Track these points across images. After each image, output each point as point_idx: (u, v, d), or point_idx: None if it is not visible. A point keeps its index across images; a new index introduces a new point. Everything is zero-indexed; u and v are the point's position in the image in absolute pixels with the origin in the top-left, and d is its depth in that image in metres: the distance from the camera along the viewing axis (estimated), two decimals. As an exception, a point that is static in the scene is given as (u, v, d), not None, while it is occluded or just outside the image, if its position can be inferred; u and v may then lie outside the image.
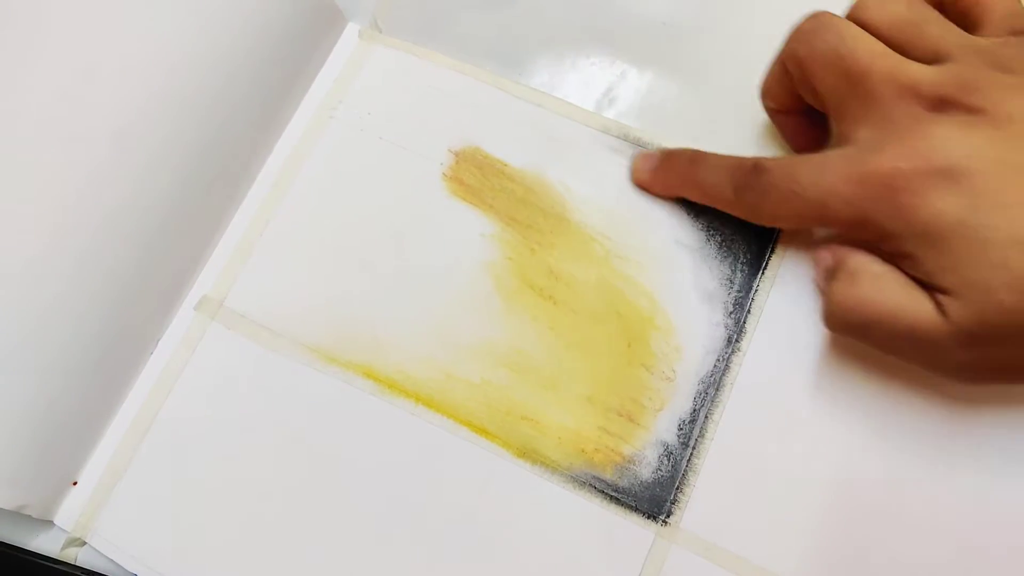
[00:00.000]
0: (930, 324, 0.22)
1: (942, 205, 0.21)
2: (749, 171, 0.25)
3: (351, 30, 0.32)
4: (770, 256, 0.28)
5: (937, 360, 0.23)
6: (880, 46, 0.23)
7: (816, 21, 0.24)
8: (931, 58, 0.23)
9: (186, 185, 0.29)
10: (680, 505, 0.26)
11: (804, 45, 0.24)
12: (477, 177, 0.30)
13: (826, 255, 0.25)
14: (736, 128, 0.29)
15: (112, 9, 0.28)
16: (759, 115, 0.29)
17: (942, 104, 0.22)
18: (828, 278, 0.24)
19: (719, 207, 0.27)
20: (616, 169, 0.29)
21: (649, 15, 0.31)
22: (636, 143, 0.29)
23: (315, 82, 0.32)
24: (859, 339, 0.24)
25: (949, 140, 0.21)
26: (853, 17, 0.24)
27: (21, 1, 0.27)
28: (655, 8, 0.31)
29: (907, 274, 0.22)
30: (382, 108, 0.31)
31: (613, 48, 0.31)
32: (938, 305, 0.22)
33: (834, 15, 0.24)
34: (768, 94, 0.27)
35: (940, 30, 0.23)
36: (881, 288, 0.23)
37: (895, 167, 0.22)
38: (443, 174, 0.30)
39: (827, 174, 0.23)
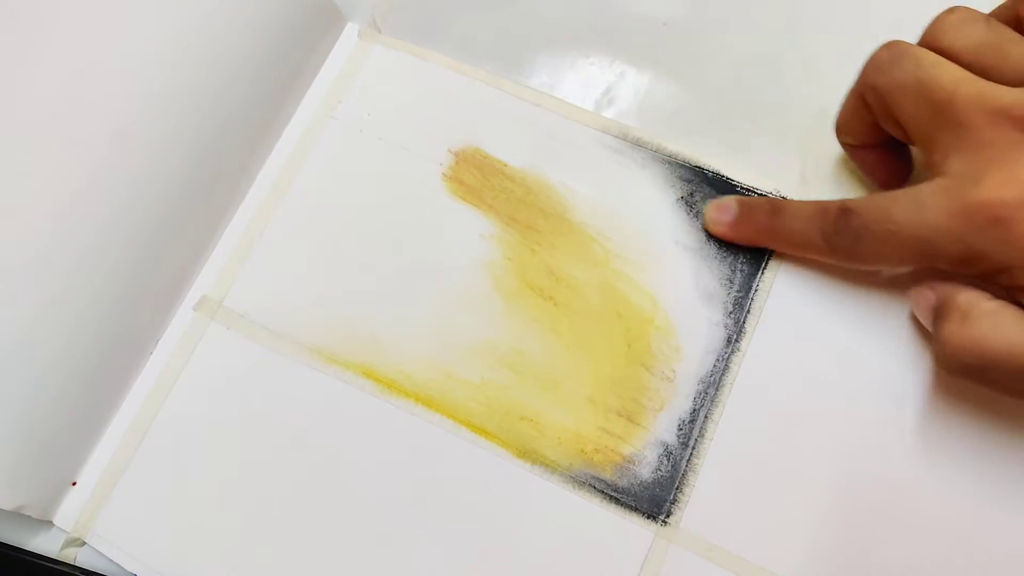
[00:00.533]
0: None
1: None
2: (837, 216, 0.24)
3: (350, 30, 0.32)
4: (770, 256, 0.28)
5: None
6: (962, 71, 0.22)
7: (892, 50, 0.23)
8: (1017, 80, 0.22)
9: (186, 185, 0.29)
10: (680, 505, 0.26)
11: (883, 76, 0.23)
12: (477, 177, 0.30)
13: (928, 293, 0.24)
14: (736, 127, 0.29)
15: (112, 9, 0.28)
16: (759, 115, 0.29)
17: None
18: (935, 318, 0.23)
19: (808, 255, 0.26)
20: (616, 169, 0.29)
21: (649, 15, 0.31)
22: (636, 143, 0.29)
23: (314, 82, 0.32)
24: (975, 381, 0.23)
25: None
26: (930, 44, 0.23)
27: (21, 1, 0.27)
28: (655, 8, 0.31)
29: (1021, 306, 0.22)
30: (382, 108, 0.31)
31: (612, 48, 0.31)
32: None
33: (909, 43, 0.23)
34: (845, 130, 0.26)
35: (1023, 50, 0.22)
36: (997, 326, 0.21)
37: (1000, 198, 0.21)
38: (443, 174, 0.30)
39: (926, 211, 0.22)
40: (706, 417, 0.26)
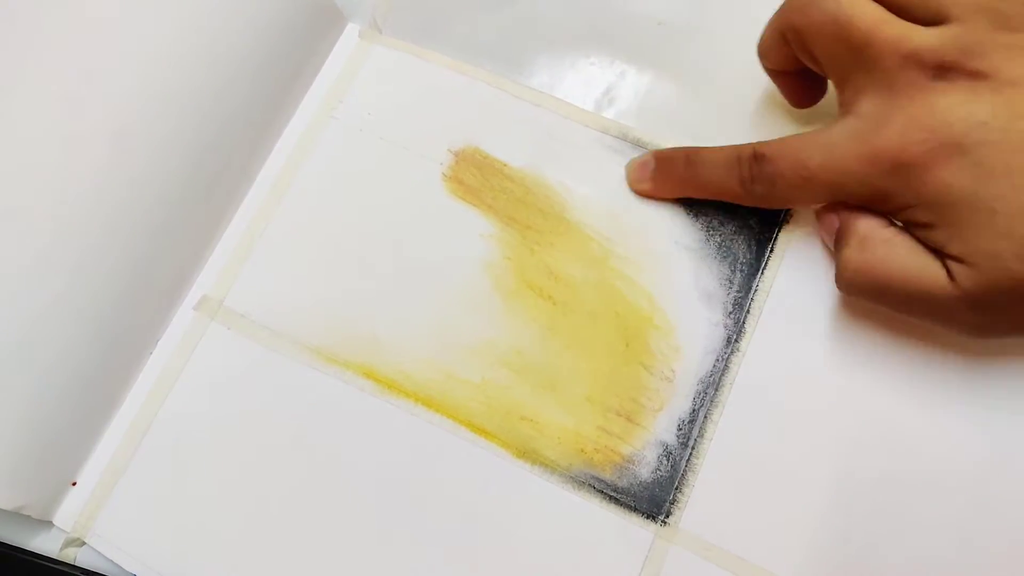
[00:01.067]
0: (940, 289, 0.22)
1: (951, 178, 0.21)
2: (751, 161, 0.25)
3: (351, 30, 0.32)
4: (769, 256, 0.28)
5: (948, 320, 0.23)
6: (880, 11, 0.23)
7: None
8: (933, 18, 0.22)
9: (186, 185, 0.29)
10: (679, 505, 0.26)
11: (800, 15, 0.24)
12: (477, 177, 0.30)
13: (832, 218, 0.25)
14: (736, 127, 0.29)
15: (112, 9, 0.28)
16: (758, 114, 0.29)
17: (945, 71, 0.22)
18: (837, 242, 0.24)
19: (726, 200, 0.27)
20: (616, 169, 0.29)
21: (648, 15, 0.31)
22: (636, 143, 0.29)
23: (315, 82, 0.32)
24: (871, 301, 0.24)
25: (953, 111, 0.21)
26: None
27: (21, 1, 0.27)
28: (654, 8, 0.31)
29: (918, 239, 0.23)
30: (382, 108, 0.31)
31: (612, 48, 0.31)
32: (948, 271, 0.22)
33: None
34: (765, 56, 0.27)
35: None
36: (891, 253, 0.23)
37: (902, 143, 0.22)
38: (443, 174, 0.30)
39: (836, 155, 0.23)
40: (706, 417, 0.26)
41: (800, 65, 0.26)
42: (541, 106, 0.30)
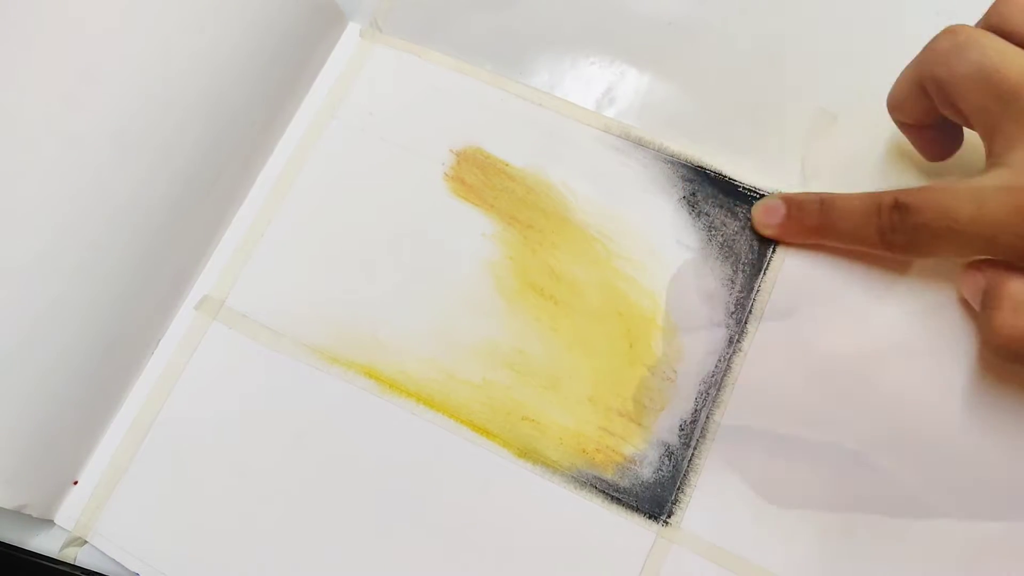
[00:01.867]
0: None
1: None
2: (891, 211, 0.24)
3: (352, 30, 0.32)
4: (772, 256, 0.28)
5: None
6: None
7: (954, 38, 0.23)
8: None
9: (187, 185, 0.29)
10: (681, 505, 0.26)
11: (944, 67, 0.23)
12: (478, 177, 0.30)
13: (977, 276, 0.24)
14: (738, 126, 0.29)
15: (113, 9, 0.28)
16: (760, 114, 0.29)
17: None
18: (985, 304, 0.23)
19: (861, 249, 0.26)
20: (618, 169, 0.29)
21: (649, 15, 0.31)
22: (637, 142, 0.29)
23: (316, 82, 0.32)
24: None
25: None
26: (991, 25, 0.23)
27: (21, 1, 0.27)
28: (655, 8, 0.31)
29: None
30: (383, 108, 0.31)
31: (613, 48, 0.31)
32: None
33: (972, 28, 0.23)
34: (899, 109, 0.26)
35: None
36: None
37: None
38: (444, 174, 0.30)
39: (989, 207, 0.22)
40: (707, 417, 0.26)
41: (938, 117, 0.25)
42: (542, 106, 0.30)
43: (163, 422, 0.28)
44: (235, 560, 0.26)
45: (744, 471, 0.26)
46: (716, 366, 0.27)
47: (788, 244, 0.27)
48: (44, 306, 0.26)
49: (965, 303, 0.26)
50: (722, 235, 0.28)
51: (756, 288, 0.27)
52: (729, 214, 0.28)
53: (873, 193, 0.25)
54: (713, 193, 0.29)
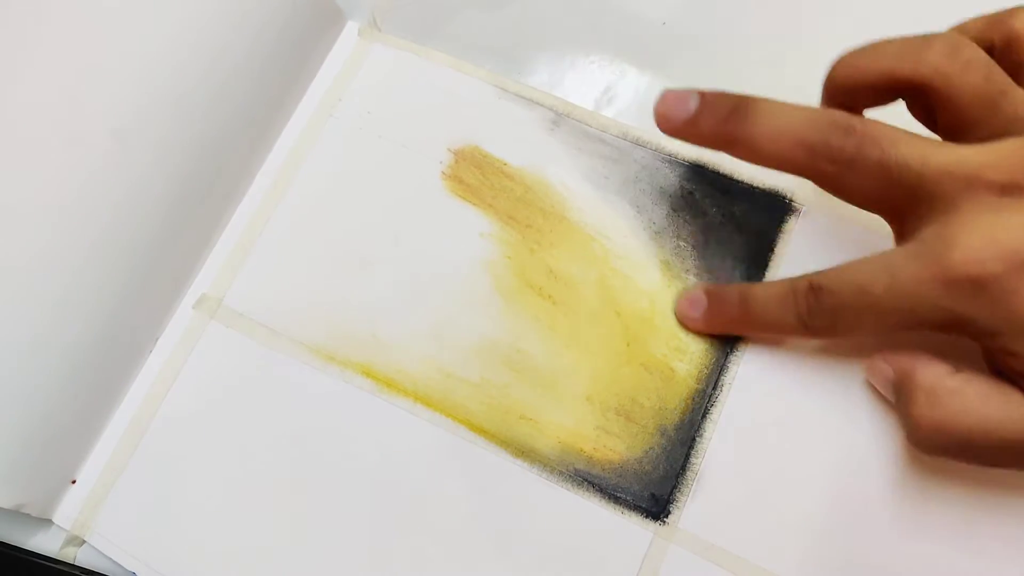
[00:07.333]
0: None
1: None
2: (807, 295, 0.23)
3: (350, 28, 0.32)
4: (770, 257, 0.28)
5: None
6: (924, 142, 0.21)
7: (850, 135, 0.22)
8: (991, 135, 0.21)
9: (185, 183, 0.29)
10: (678, 504, 0.26)
11: (844, 167, 0.22)
12: (476, 176, 0.30)
13: (885, 368, 0.23)
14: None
15: (112, 8, 0.28)
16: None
17: (1013, 189, 0.20)
18: (899, 397, 0.23)
19: (786, 337, 0.26)
20: (616, 168, 0.29)
21: (648, 15, 0.31)
22: (636, 142, 0.29)
23: (314, 80, 0.32)
24: (955, 459, 0.22)
25: None
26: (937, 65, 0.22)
27: (21, 1, 0.27)
28: (654, 8, 0.31)
29: (1005, 368, 0.21)
30: (381, 107, 0.31)
31: (612, 47, 0.31)
32: None
33: (863, 122, 0.22)
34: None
35: (1014, 104, 0.21)
36: (966, 405, 0.21)
37: (979, 260, 0.20)
38: (442, 173, 0.30)
39: (903, 279, 0.21)
40: (704, 417, 0.26)
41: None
42: (541, 104, 0.30)
43: (161, 421, 0.28)
44: (233, 559, 0.26)
45: (741, 470, 0.26)
46: (713, 365, 0.27)
47: (713, 336, 0.27)
48: (42, 305, 0.26)
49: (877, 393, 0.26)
50: (721, 235, 0.28)
51: (754, 287, 0.27)
52: (727, 213, 0.28)
53: (788, 279, 0.24)
54: (711, 192, 0.29)
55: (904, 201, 0.22)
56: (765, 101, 0.23)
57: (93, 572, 0.27)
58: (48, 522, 0.27)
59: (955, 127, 0.22)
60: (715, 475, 0.26)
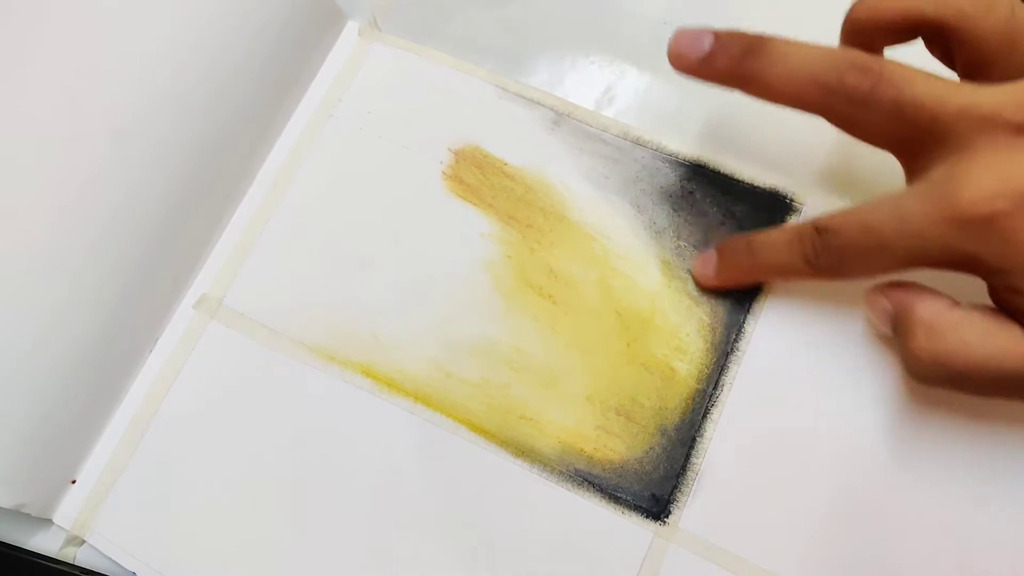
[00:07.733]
0: None
1: None
2: (813, 237, 0.23)
3: (351, 28, 0.32)
4: (770, 255, 0.28)
5: None
6: (940, 82, 0.21)
7: (866, 77, 0.22)
8: (1017, 75, 0.21)
9: (185, 183, 0.29)
10: (679, 504, 0.26)
11: (859, 106, 0.22)
12: (477, 176, 0.30)
13: (883, 302, 0.23)
14: (737, 124, 0.29)
15: (112, 8, 0.28)
16: (759, 112, 0.29)
17: None
18: (899, 331, 0.23)
19: (797, 280, 0.26)
20: (616, 168, 0.29)
21: (649, 14, 0.31)
22: (636, 142, 0.29)
23: (314, 80, 0.32)
24: (954, 390, 0.22)
25: None
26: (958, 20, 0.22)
27: (21, 1, 0.27)
28: (655, 7, 0.31)
29: (1010, 306, 0.21)
30: (381, 107, 0.31)
31: (613, 47, 0.31)
32: None
33: (880, 62, 0.22)
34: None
35: None
36: (966, 339, 0.21)
37: (990, 198, 0.20)
38: (443, 173, 0.30)
39: (912, 220, 0.21)
40: (705, 416, 0.26)
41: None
42: (541, 104, 0.30)
43: (161, 421, 0.28)
44: (232, 559, 0.26)
45: (742, 470, 0.26)
46: (714, 364, 0.27)
47: (731, 289, 0.27)
48: (42, 305, 0.26)
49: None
50: (721, 235, 0.28)
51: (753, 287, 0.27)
52: (728, 212, 0.28)
53: (795, 224, 0.25)
54: (712, 192, 0.28)
55: (917, 140, 0.22)
56: (780, 40, 0.23)
57: (93, 572, 0.27)
58: (48, 522, 0.27)
59: (975, 67, 0.22)
60: (715, 475, 0.26)
